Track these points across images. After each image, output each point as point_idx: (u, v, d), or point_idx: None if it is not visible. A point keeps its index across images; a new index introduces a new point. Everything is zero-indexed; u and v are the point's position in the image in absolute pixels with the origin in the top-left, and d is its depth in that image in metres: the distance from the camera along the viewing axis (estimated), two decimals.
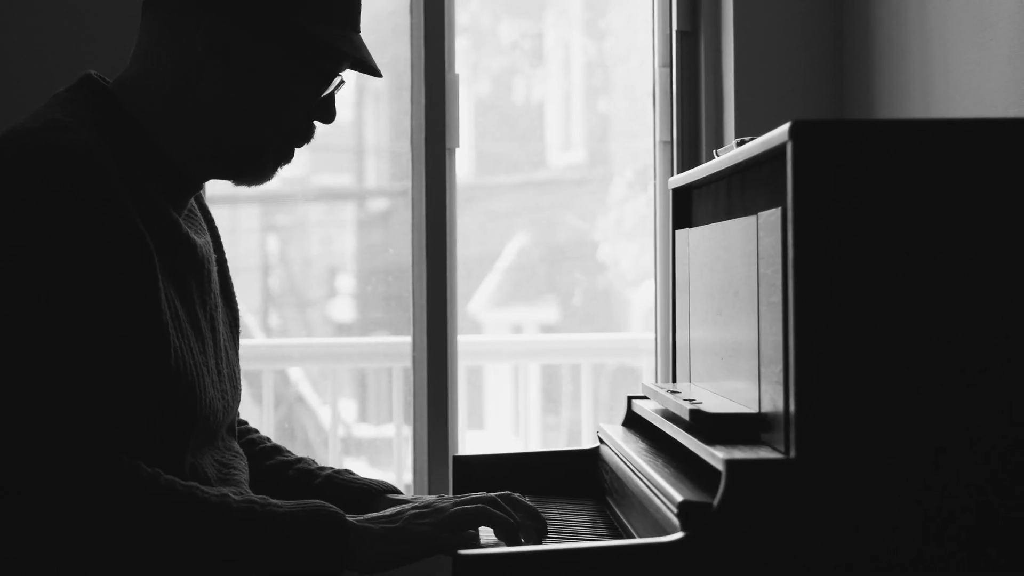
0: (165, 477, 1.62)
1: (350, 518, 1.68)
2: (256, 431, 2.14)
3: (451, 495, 1.92)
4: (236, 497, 1.65)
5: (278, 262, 7.41)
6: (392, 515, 1.73)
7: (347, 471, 2.07)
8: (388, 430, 5.84)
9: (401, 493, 2.03)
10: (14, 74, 2.66)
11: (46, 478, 1.55)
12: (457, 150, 2.90)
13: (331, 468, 2.06)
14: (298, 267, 7.47)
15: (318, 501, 1.69)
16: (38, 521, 1.56)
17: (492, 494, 1.83)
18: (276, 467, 2.06)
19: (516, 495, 1.91)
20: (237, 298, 2.02)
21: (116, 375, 1.62)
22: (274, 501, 1.67)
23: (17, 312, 1.57)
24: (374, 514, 1.73)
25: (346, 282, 7.45)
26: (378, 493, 2.01)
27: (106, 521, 1.58)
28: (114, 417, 1.60)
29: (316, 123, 1.85)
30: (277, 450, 2.10)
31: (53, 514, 1.56)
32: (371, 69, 1.83)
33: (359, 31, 1.84)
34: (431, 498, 1.90)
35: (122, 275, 1.64)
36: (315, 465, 2.07)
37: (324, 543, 1.65)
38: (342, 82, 1.86)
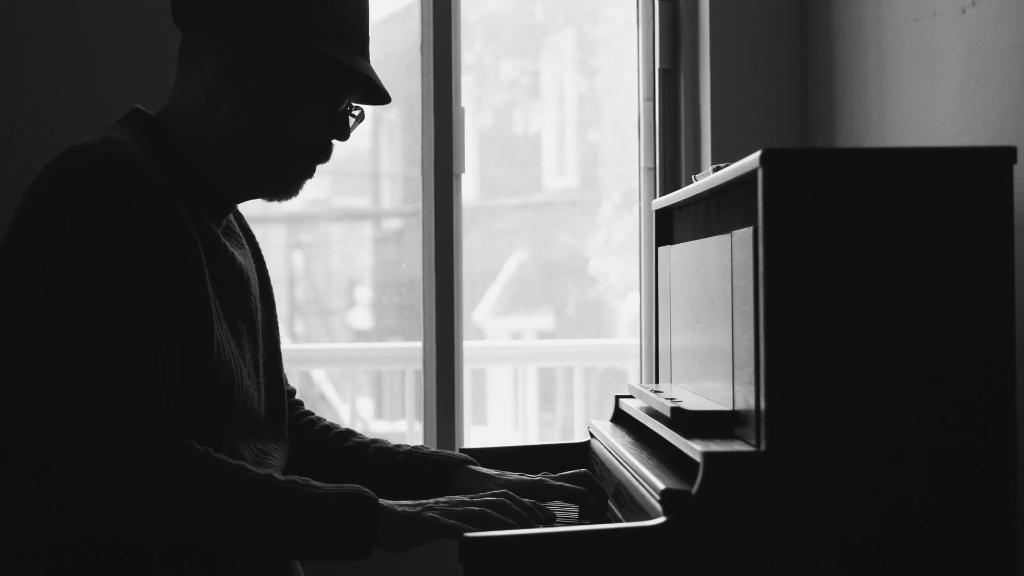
0: (216, 455, 1.61)
1: (381, 501, 1.68)
2: (324, 419, 2.13)
3: (525, 476, 1.93)
4: (280, 477, 1.65)
5: (303, 275, 7.41)
6: (416, 503, 1.72)
7: (424, 447, 2.06)
8: (401, 426, 5.83)
9: (477, 463, 2.02)
10: (67, 110, 2.67)
11: (105, 452, 1.54)
12: (463, 175, 2.90)
13: (408, 445, 2.05)
14: (321, 280, 7.47)
15: (355, 485, 1.68)
16: (95, 491, 1.55)
17: (501, 497, 1.82)
18: (354, 448, 2.05)
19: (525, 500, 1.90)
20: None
21: (172, 359, 1.61)
22: (315, 482, 1.66)
23: (81, 302, 1.57)
24: (403, 501, 1.73)
25: (364, 293, 7.44)
26: (458, 465, 2.00)
27: (159, 492, 1.56)
28: (169, 397, 1.60)
29: (333, 142, 1.84)
30: (351, 432, 2.09)
31: (109, 485, 1.55)
32: (378, 90, 1.82)
33: (368, 58, 1.83)
34: (513, 476, 1.92)
35: (174, 268, 1.64)
36: (391, 444, 2.06)
37: (357, 522, 1.64)
38: (362, 114, 1.85)
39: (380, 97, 1.84)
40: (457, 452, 2.05)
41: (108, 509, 1.56)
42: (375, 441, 2.07)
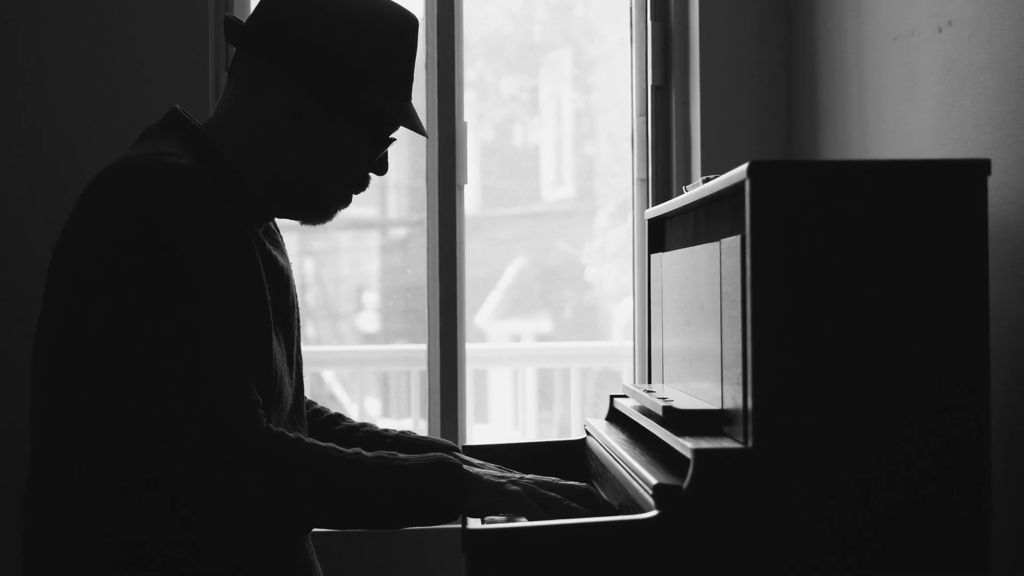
0: (306, 439, 1.62)
1: (466, 467, 1.68)
2: (315, 403, 2.14)
3: (503, 469, 1.93)
4: (368, 453, 1.64)
5: (314, 281, 7.41)
6: (499, 474, 1.73)
7: (410, 432, 2.07)
8: (407, 424, 5.83)
9: (460, 450, 2.03)
10: (107, 111, 2.67)
11: (204, 443, 1.53)
12: (465, 186, 2.90)
13: (395, 431, 2.06)
14: (331, 285, 7.47)
15: (439, 454, 1.69)
16: (202, 476, 1.54)
17: (581, 490, 1.81)
18: (344, 431, 2.06)
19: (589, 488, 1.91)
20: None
21: (246, 353, 1.61)
22: (401, 455, 1.67)
23: (156, 303, 1.55)
24: (488, 467, 1.73)
25: (371, 298, 7.45)
26: (443, 451, 2.01)
27: (262, 473, 1.56)
28: (252, 388, 1.59)
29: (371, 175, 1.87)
30: (341, 417, 2.11)
31: (213, 469, 1.54)
32: (421, 132, 1.84)
33: (410, 99, 1.85)
34: (492, 467, 1.90)
35: (236, 274, 1.63)
36: (379, 428, 2.07)
37: (446, 489, 1.65)
38: (393, 139, 1.87)
39: (421, 133, 1.86)
40: (442, 440, 2.05)
41: (210, 496, 1.55)
42: (364, 425, 2.08)
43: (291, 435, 1.60)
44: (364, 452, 1.64)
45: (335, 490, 1.60)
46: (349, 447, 2.01)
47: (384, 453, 1.66)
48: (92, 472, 1.60)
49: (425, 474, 1.64)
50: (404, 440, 2.03)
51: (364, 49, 1.76)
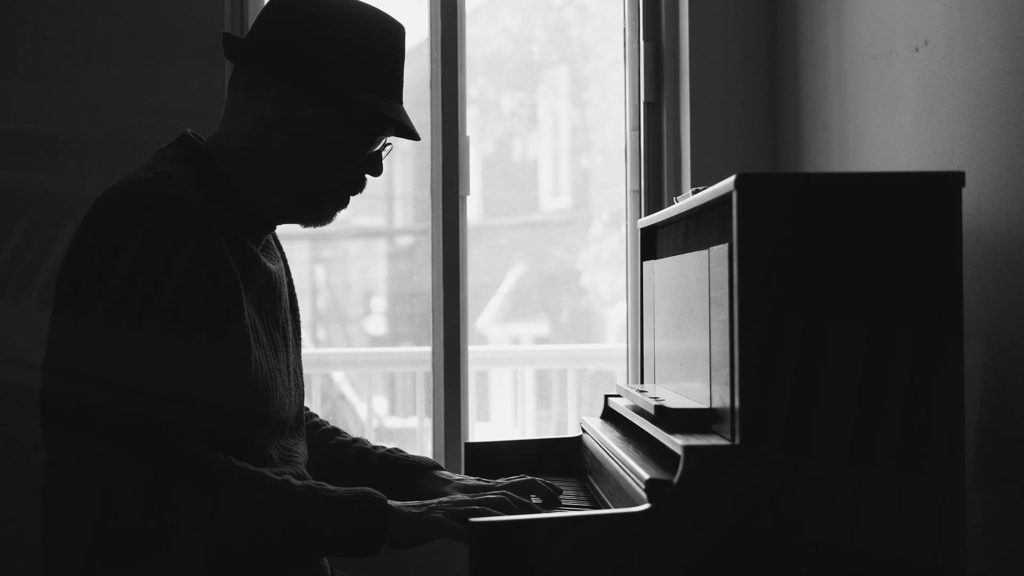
0: (236, 464, 1.60)
1: (389, 503, 1.66)
2: (316, 415, 2.13)
3: (480, 480, 1.91)
4: (296, 481, 1.63)
5: (324, 287, 7.41)
6: (421, 503, 1.71)
7: (398, 450, 2.05)
8: (412, 422, 5.82)
9: (444, 468, 2.02)
10: (121, 131, 2.67)
11: (139, 461, 1.53)
12: (468, 197, 2.90)
13: (384, 447, 2.05)
14: (340, 291, 7.47)
15: (366, 488, 1.67)
16: (132, 495, 1.55)
17: (507, 488, 1.80)
18: (337, 446, 2.04)
19: (537, 480, 1.90)
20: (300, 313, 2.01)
21: (207, 382, 1.60)
22: (328, 486, 1.65)
23: (122, 326, 1.56)
24: (409, 502, 1.71)
25: (379, 303, 7.44)
26: (426, 469, 1.99)
27: (187, 499, 1.56)
28: (200, 414, 1.58)
29: (367, 176, 1.85)
30: (336, 431, 2.08)
31: (146, 491, 1.54)
32: (410, 133, 1.83)
33: (401, 101, 1.84)
34: (471, 480, 1.89)
35: (214, 297, 1.63)
36: (369, 445, 2.05)
37: (368, 522, 1.63)
38: (390, 146, 1.85)
39: (411, 135, 1.85)
40: (425, 457, 2.04)
41: (144, 510, 1.55)
42: (356, 441, 2.06)
43: (220, 459, 1.58)
44: (291, 481, 1.62)
45: (252, 518, 1.58)
46: (341, 462, 2.00)
47: (312, 483, 1.64)
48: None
49: (348, 505, 1.63)
50: (391, 459, 2.01)
51: (351, 48, 1.75)
